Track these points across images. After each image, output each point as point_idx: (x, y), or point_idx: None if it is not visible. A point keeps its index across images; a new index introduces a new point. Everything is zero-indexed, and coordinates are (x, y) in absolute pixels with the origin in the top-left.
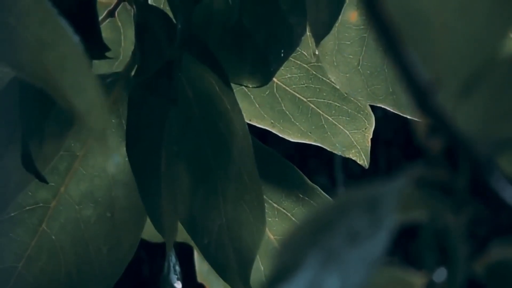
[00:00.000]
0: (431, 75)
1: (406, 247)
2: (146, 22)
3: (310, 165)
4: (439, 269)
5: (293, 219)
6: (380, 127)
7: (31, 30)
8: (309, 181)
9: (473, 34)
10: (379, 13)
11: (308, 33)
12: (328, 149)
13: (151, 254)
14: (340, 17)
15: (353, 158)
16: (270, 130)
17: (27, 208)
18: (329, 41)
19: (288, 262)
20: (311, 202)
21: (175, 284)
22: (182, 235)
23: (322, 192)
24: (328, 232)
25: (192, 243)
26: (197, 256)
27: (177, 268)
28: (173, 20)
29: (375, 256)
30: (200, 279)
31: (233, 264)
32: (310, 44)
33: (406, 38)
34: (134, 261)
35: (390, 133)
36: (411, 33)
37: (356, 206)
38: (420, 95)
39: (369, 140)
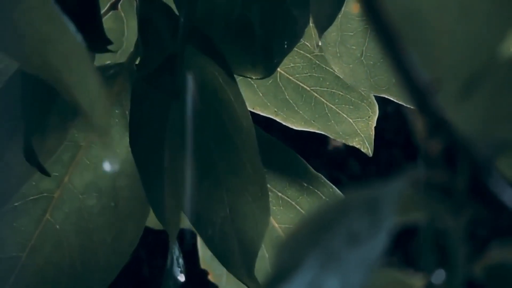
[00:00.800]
0: (431, 76)
1: (405, 248)
2: (149, 15)
3: (310, 165)
4: (438, 271)
5: (298, 207)
6: (380, 127)
7: (34, 27)
8: (313, 170)
9: (473, 35)
10: (379, 14)
11: (311, 24)
12: (332, 137)
13: (151, 253)
14: (343, 8)
15: (357, 146)
16: (274, 118)
17: (31, 198)
18: (332, 32)
19: (288, 263)
20: (315, 190)
21: (179, 277)
22: (187, 221)
23: (326, 180)
24: (328, 233)
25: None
26: (200, 242)
27: (181, 261)
28: (176, 12)
29: (374, 257)
30: (203, 265)
31: (237, 255)
32: (313, 35)
33: (406, 39)
34: (133, 261)
35: (390, 133)
36: (411, 34)
37: (356, 207)
38: (420, 96)
39: (373, 128)
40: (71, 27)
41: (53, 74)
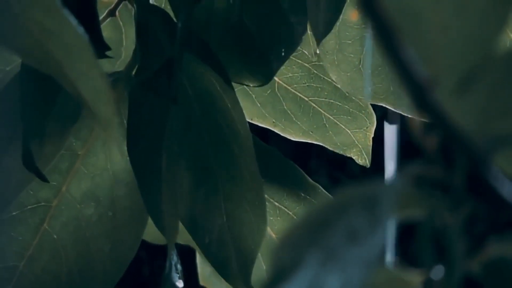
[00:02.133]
0: (428, 72)
1: (404, 245)
2: (147, 21)
3: (310, 165)
4: (437, 267)
5: (295, 217)
6: (380, 127)
7: (35, 19)
8: (310, 180)
9: (469, 31)
10: (376, 11)
11: (309, 32)
12: (330, 148)
13: (151, 254)
14: (341, 16)
15: (354, 158)
16: (272, 129)
17: (29, 207)
18: (330, 40)
19: (287, 261)
20: (313, 200)
21: (177, 283)
22: (184, 237)
23: (324, 190)
24: (327, 231)
25: (194, 244)
26: (199, 258)
27: (179, 267)
28: (174, 19)
29: (374, 254)
30: (202, 281)
31: (234, 263)
32: (311, 43)
33: (403, 36)
34: (134, 261)
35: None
36: (408, 31)
37: (354, 205)
38: (418, 92)
39: (371, 139)
40: (73, 20)
41: (55, 67)
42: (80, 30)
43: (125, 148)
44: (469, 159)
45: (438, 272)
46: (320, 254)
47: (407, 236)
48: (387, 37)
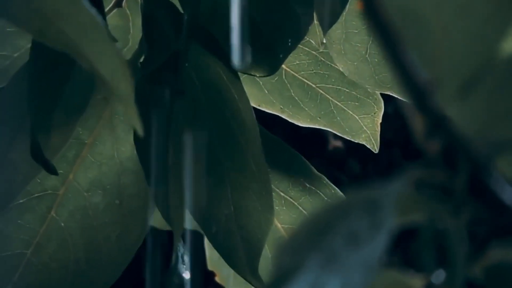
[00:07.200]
0: (430, 75)
1: (405, 249)
2: (153, 13)
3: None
4: (438, 271)
5: (300, 208)
6: (381, 127)
7: (48, 2)
8: (315, 171)
9: (472, 34)
10: (378, 13)
11: (315, 21)
12: (338, 134)
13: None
14: (347, 5)
15: (363, 143)
16: (279, 115)
17: (36, 195)
18: (336, 29)
19: (288, 264)
20: (318, 191)
21: (183, 274)
22: (194, 222)
23: (329, 181)
24: (329, 233)
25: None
26: (207, 243)
27: (185, 258)
28: (180, 10)
29: (375, 258)
30: (210, 266)
31: (241, 253)
32: (318, 33)
33: (405, 38)
34: (134, 261)
35: (390, 133)
36: (410, 34)
37: (356, 208)
38: (419, 95)
39: (379, 125)
40: (85, 1)
41: (70, 46)
42: (93, 11)
43: (132, 137)
44: (471, 163)
45: (439, 276)
46: (321, 257)
47: (408, 240)
48: (389, 40)
